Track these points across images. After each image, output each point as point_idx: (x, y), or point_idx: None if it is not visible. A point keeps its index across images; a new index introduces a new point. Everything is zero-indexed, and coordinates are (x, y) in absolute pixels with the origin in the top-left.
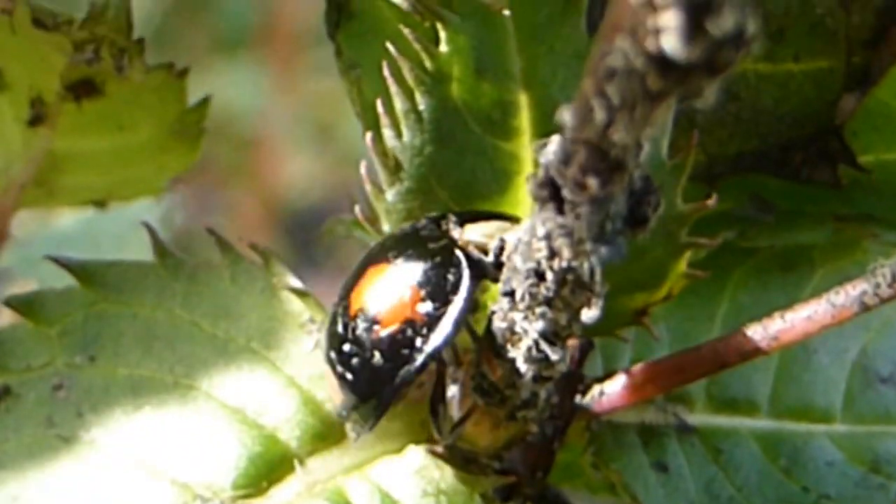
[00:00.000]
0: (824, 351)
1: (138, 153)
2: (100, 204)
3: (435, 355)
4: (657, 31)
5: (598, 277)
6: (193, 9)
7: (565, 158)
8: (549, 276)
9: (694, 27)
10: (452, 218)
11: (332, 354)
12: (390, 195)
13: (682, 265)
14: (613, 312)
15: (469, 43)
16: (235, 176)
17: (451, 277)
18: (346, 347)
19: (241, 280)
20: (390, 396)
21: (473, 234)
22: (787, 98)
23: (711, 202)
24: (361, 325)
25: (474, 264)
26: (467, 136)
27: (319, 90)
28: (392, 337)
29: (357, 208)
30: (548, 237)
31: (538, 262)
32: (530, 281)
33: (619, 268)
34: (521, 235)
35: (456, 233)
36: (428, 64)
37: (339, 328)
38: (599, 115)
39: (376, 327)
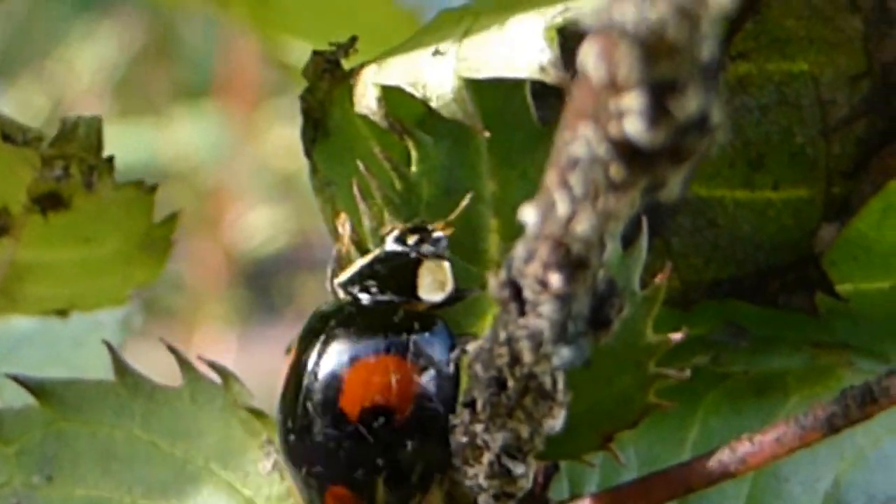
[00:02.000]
0: (796, 480)
1: (103, 265)
2: (62, 313)
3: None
4: (620, 115)
5: (560, 385)
6: (157, 58)
7: (527, 255)
8: (511, 384)
9: (658, 109)
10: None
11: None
12: None
13: (650, 396)
14: (579, 438)
15: (440, 164)
16: (198, 224)
17: (432, 333)
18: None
19: (200, 399)
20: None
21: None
22: (765, 226)
23: (681, 335)
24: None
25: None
26: None
27: (281, 139)
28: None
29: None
30: (509, 341)
31: (500, 370)
32: (491, 390)
33: (586, 395)
34: (483, 343)
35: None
36: (397, 184)
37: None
38: (562, 207)
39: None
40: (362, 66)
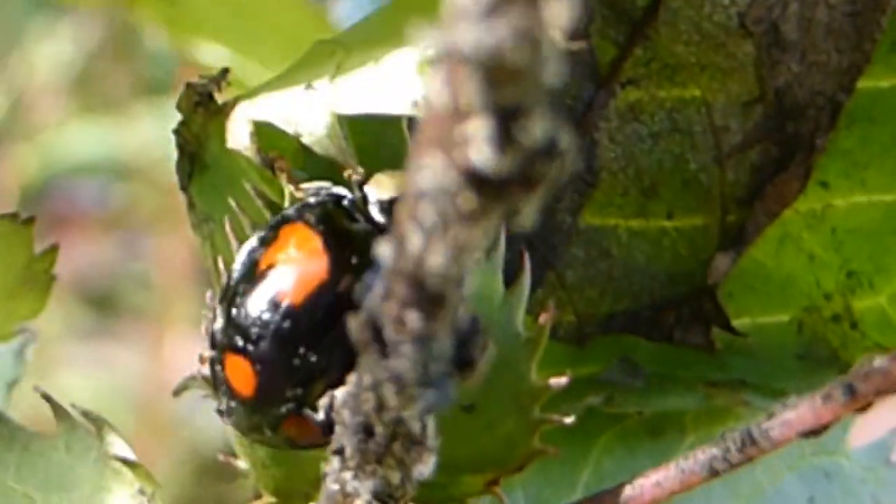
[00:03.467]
0: None
1: None
2: None
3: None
4: (466, 143)
5: (429, 431)
6: (116, 53)
7: (385, 294)
8: (379, 429)
9: (503, 136)
10: None
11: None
12: None
13: (535, 441)
14: (462, 482)
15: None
16: (160, 221)
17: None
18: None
19: (76, 449)
20: None
21: None
22: (659, 256)
23: (565, 380)
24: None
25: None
26: None
27: None
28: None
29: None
30: (374, 386)
31: (366, 416)
32: (360, 436)
33: (469, 440)
34: (349, 388)
35: None
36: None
37: None
38: (413, 240)
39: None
40: (236, 99)
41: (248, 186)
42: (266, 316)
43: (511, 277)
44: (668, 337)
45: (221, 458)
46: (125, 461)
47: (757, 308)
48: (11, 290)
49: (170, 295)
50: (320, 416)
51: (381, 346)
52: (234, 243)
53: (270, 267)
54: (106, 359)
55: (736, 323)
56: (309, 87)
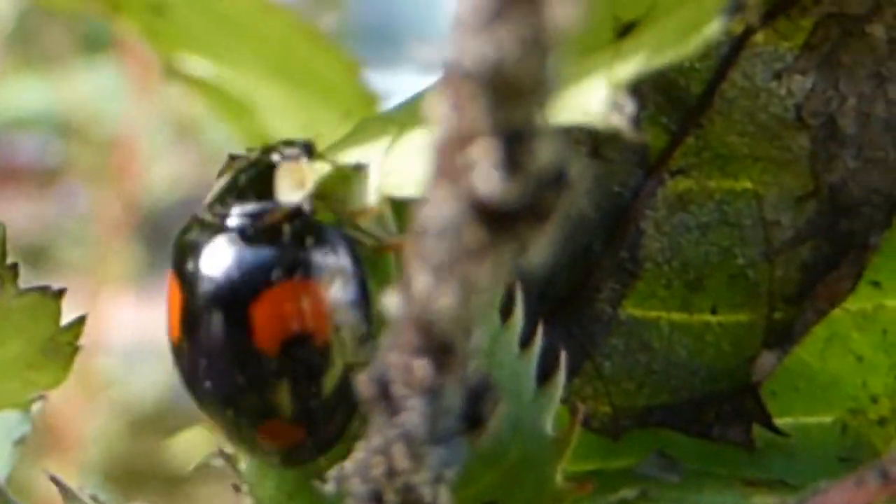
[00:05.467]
0: None
1: (4, 370)
2: None
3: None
4: (472, 170)
5: (442, 499)
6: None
7: (392, 344)
8: (390, 497)
9: (511, 159)
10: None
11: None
12: None
13: None
14: None
15: None
16: (97, 178)
17: (331, 248)
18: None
19: None
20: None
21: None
22: (702, 351)
23: (589, 487)
24: (296, 355)
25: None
26: None
27: (179, 91)
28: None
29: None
30: (384, 448)
31: (377, 483)
32: None
33: None
34: (359, 455)
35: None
36: None
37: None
38: (420, 281)
39: (313, 344)
40: None
41: None
42: None
43: (546, 370)
44: (706, 433)
45: None
46: None
47: (800, 408)
48: (32, 361)
49: (105, 251)
50: (330, 487)
51: (390, 402)
52: None
53: None
54: None
55: (778, 422)
56: (359, 165)
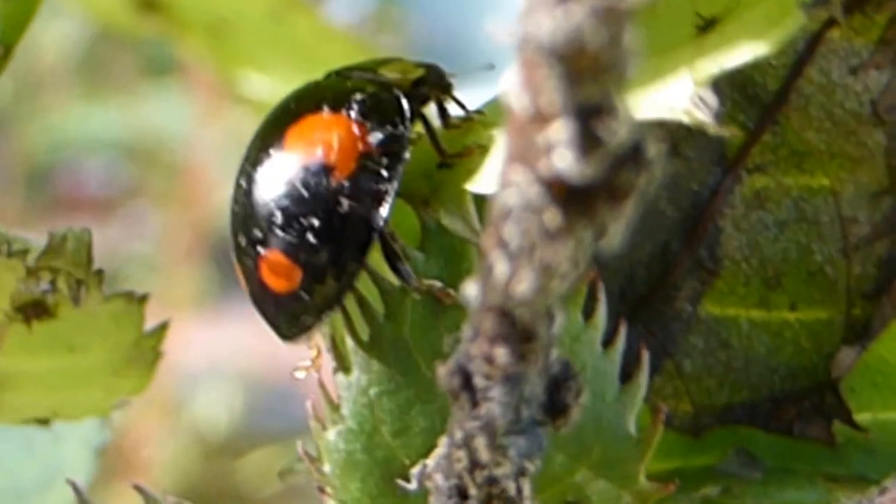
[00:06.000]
0: None
1: (88, 376)
2: (43, 422)
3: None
4: (549, 150)
5: (525, 492)
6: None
7: (473, 334)
8: (473, 492)
9: (587, 137)
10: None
11: (274, 235)
12: (331, 434)
13: None
14: None
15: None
16: (165, 202)
17: (387, 101)
18: (294, 217)
19: None
20: (364, 248)
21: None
22: (781, 348)
23: (672, 487)
24: (312, 182)
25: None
26: (418, 380)
27: (245, 113)
28: (356, 179)
29: (299, 445)
30: (465, 441)
31: (459, 477)
32: (454, 501)
33: None
34: (440, 450)
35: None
36: (382, 300)
37: (272, 205)
38: (499, 267)
39: (334, 176)
40: None
41: None
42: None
43: (627, 369)
44: (787, 430)
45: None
46: None
47: (879, 404)
48: (117, 367)
49: (174, 274)
50: (413, 484)
51: (471, 393)
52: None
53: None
54: None
55: (857, 418)
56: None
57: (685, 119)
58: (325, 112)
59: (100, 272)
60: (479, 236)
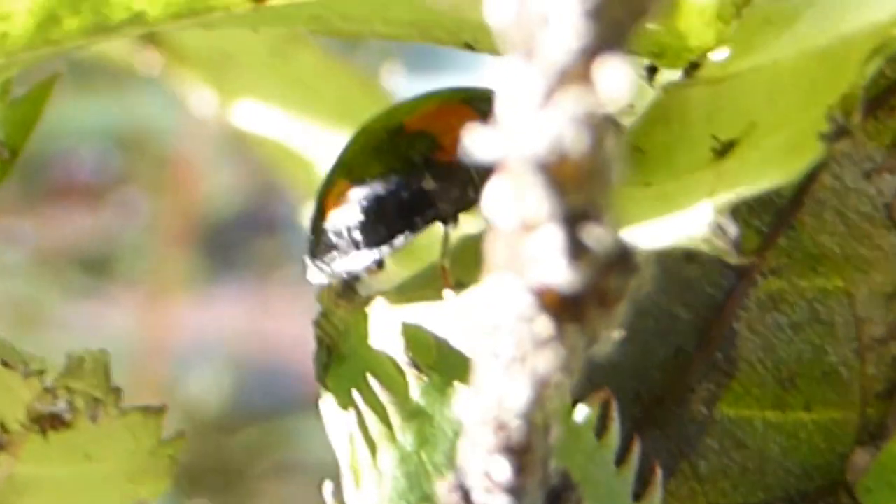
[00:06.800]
0: None
1: (104, 482)
2: None
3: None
4: (536, 258)
5: None
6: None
7: (470, 448)
8: None
9: (575, 244)
10: None
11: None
12: None
13: None
14: None
15: (444, 401)
16: (156, 191)
17: None
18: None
19: None
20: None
21: None
22: (796, 448)
23: None
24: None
25: None
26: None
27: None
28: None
29: None
30: None
31: None
32: None
33: None
34: None
35: None
36: (396, 417)
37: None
38: (492, 380)
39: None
40: (381, 297)
41: (373, 383)
42: None
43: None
44: None
45: None
46: None
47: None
48: (133, 474)
49: (164, 260)
50: None
51: None
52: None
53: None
54: (100, 322)
55: None
56: (459, 284)
57: (705, 248)
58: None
59: (117, 390)
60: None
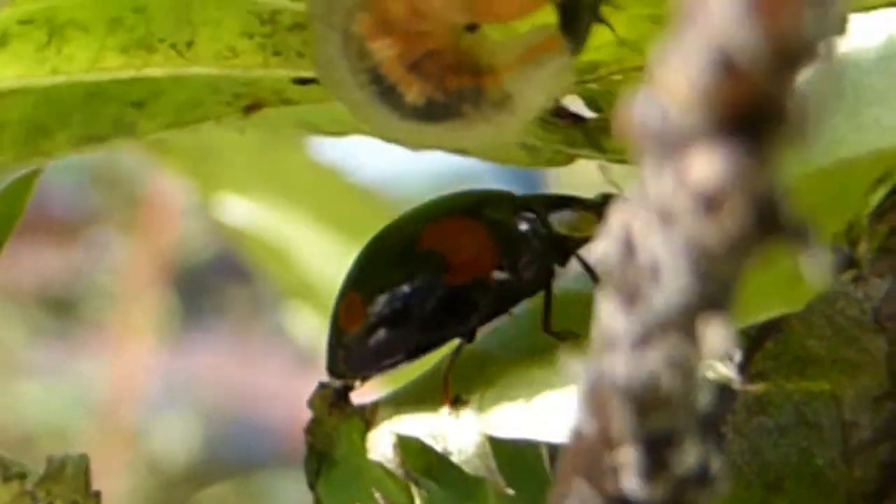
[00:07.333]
0: None
1: None
2: None
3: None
4: (615, 471)
5: None
6: None
7: None
8: None
9: (654, 464)
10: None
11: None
12: None
13: None
14: None
15: None
16: (129, 231)
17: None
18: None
19: None
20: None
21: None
22: None
23: None
24: (427, 270)
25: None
26: None
27: None
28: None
29: None
30: None
31: None
32: None
33: None
34: None
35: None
36: None
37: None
38: None
39: (445, 276)
40: (376, 406)
41: (377, 496)
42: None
43: None
44: None
45: None
46: None
47: None
48: None
49: (134, 304)
50: None
51: None
52: None
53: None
54: (66, 367)
55: None
56: (458, 400)
57: (711, 374)
58: None
59: (97, 494)
60: (494, 475)
